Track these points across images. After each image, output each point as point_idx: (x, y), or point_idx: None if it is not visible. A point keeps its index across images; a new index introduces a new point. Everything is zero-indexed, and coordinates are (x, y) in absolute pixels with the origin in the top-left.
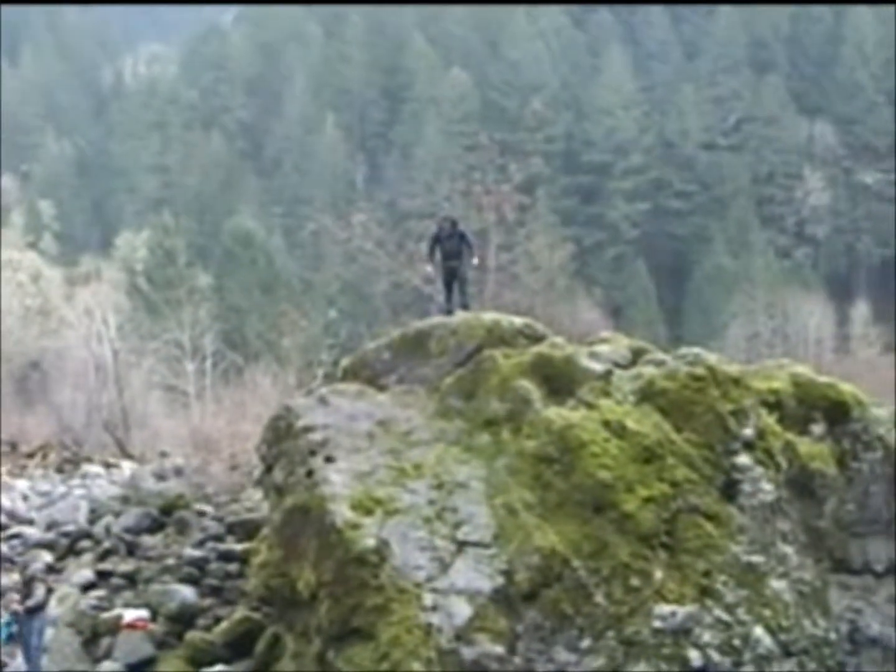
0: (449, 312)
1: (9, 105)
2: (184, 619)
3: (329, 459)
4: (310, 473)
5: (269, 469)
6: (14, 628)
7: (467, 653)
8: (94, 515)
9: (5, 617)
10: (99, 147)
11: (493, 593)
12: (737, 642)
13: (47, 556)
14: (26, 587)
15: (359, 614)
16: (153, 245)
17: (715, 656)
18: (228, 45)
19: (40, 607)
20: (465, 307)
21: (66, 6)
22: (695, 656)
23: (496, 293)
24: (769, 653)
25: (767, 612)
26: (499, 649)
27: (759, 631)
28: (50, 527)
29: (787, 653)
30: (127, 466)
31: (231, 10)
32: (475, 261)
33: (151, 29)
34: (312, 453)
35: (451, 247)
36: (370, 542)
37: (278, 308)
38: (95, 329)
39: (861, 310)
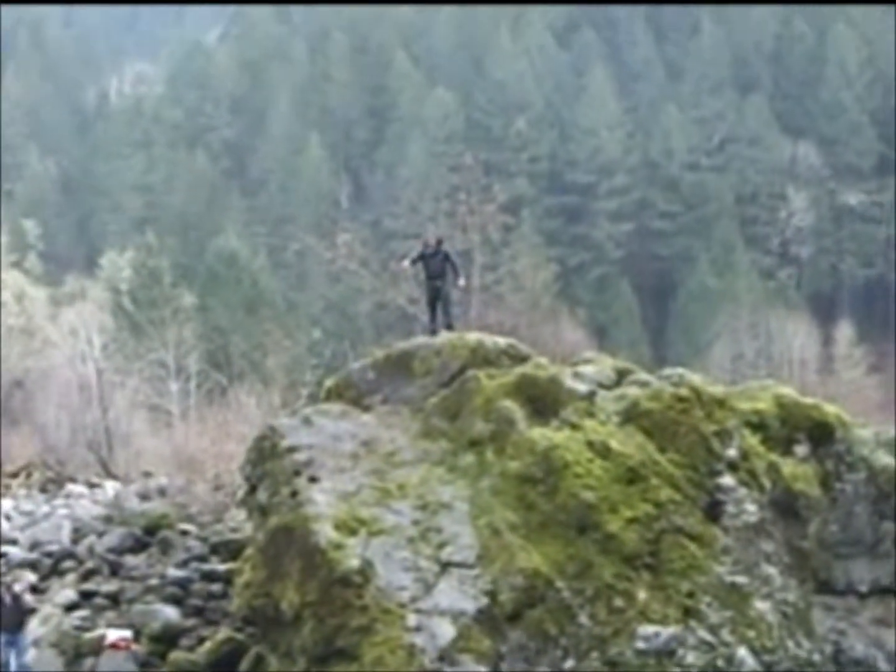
0: (433, 332)
1: None
2: (167, 639)
3: (313, 479)
4: (294, 494)
5: (252, 489)
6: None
7: None
8: (78, 535)
9: None
10: (83, 166)
11: (477, 614)
12: (720, 663)
13: (31, 576)
14: (6, 607)
15: (343, 634)
16: (137, 265)
17: None
18: (213, 64)
19: (19, 628)
20: (449, 327)
21: (49, 23)
22: None
23: (480, 313)
24: None
25: (751, 633)
26: (483, 670)
27: (742, 652)
28: (33, 546)
29: None
30: (111, 486)
31: (216, 29)
32: (461, 282)
33: (136, 48)
34: (297, 473)
35: (435, 266)
36: (354, 563)
37: (262, 328)
38: (80, 349)
39: (845, 330)
